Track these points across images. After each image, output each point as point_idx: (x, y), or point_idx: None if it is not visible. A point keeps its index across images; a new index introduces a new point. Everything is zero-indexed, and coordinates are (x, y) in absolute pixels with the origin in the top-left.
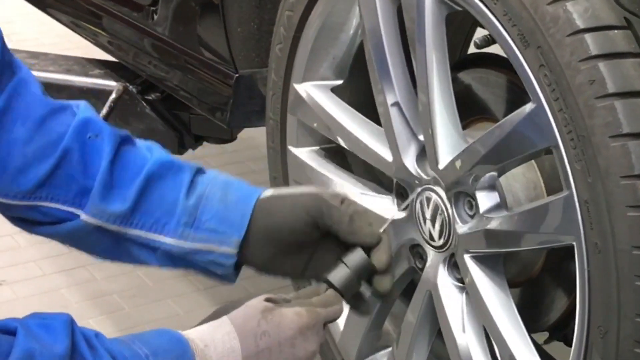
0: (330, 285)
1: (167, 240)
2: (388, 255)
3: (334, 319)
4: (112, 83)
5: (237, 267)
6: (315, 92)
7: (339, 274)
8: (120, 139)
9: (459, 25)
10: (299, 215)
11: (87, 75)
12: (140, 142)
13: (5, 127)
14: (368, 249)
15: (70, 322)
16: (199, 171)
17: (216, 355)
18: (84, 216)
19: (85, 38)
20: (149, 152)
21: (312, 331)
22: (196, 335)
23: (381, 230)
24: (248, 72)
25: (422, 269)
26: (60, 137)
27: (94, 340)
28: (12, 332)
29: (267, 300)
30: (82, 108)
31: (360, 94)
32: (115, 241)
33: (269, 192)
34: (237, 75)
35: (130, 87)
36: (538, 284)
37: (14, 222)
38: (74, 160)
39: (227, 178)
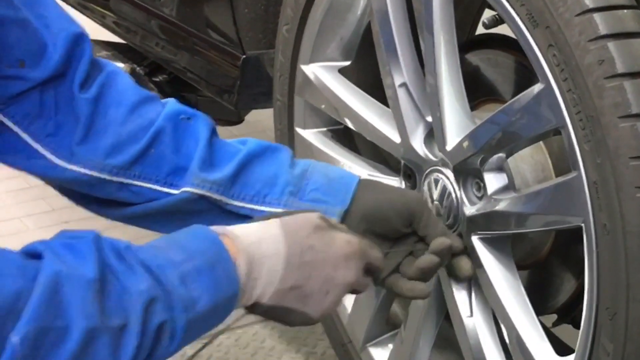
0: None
1: (269, 209)
2: (448, 241)
3: (375, 265)
4: (120, 64)
5: None
6: (323, 73)
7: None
8: (213, 125)
9: (467, 6)
10: (406, 205)
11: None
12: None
13: (100, 111)
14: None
15: (96, 240)
16: (293, 154)
17: (259, 254)
18: (186, 188)
19: (93, 19)
20: (242, 142)
21: (355, 262)
22: (242, 232)
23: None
24: (255, 54)
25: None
26: (152, 121)
27: (125, 252)
28: (37, 255)
29: (321, 218)
30: (172, 101)
31: (367, 75)
32: (216, 213)
33: (368, 178)
34: (244, 56)
35: (138, 68)
36: (546, 266)
37: (99, 209)
38: (166, 140)
39: (324, 163)
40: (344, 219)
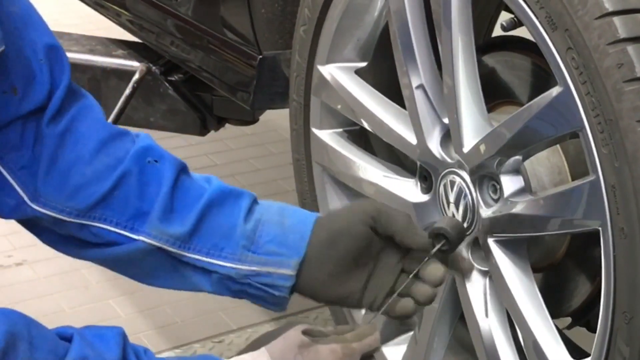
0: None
1: (224, 263)
2: (442, 272)
3: (372, 350)
4: (135, 63)
5: (291, 292)
6: (339, 74)
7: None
8: (180, 167)
9: (483, 8)
10: (359, 219)
11: (110, 55)
12: (197, 175)
13: (67, 146)
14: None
15: (123, 335)
16: (255, 200)
17: None
18: (142, 237)
19: (109, 18)
20: (207, 182)
21: None
22: None
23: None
24: (272, 54)
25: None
26: (119, 160)
27: (143, 355)
28: (68, 339)
29: (305, 332)
30: (142, 137)
31: (384, 76)
32: (172, 265)
33: (324, 214)
34: (260, 56)
35: (153, 67)
36: (561, 269)
37: (59, 247)
38: (131, 183)
39: (282, 204)
40: (301, 269)
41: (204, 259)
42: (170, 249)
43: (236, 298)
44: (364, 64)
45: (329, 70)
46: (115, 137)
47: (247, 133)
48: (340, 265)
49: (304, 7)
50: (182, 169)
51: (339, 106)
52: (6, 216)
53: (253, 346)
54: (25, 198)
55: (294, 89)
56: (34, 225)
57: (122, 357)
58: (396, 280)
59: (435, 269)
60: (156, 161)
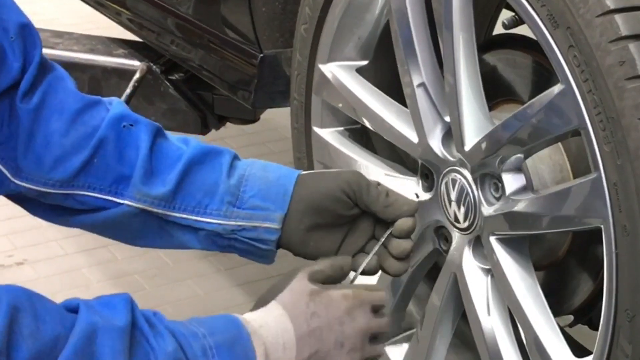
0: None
1: (210, 220)
2: (413, 222)
3: (380, 303)
4: (136, 63)
5: (277, 246)
6: (341, 72)
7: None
8: (155, 130)
9: (484, 6)
10: (340, 186)
11: (110, 54)
12: (173, 136)
13: (42, 120)
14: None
15: (130, 300)
16: (236, 156)
17: (270, 335)
18: (127, 201)
19: (109, 17)
20: (184, 143)
21: (359, 311)
22: (251, 317)
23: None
24: (272, 52)
25: (446, 251)
26: (95, 129)
27: (153, 318)
28: (74, 310)
29: (310, 279)
30: (115, 103)
31: (385, 74)
32: (159, 225)
33: (307, 172)
34: (261, 55)
35: (154, 66)
36: (563, 267)
37: (47, 217)
38: (109, 149)
39: (265, 162)
40: (285, 222)
41: (190, 217)
42: (155, 210)
43: (225, 252)
44: (365, 63)
45: (330, 69)
46: (89, 105)
47: (247, 132)
48: (317, 224)
49: (304, 5)
50: (158, 132)
51: (340, 105)
52: None
53: (261, 301)
54: (8, 174)
55: (295, 88)
56: (22, 199)
57: (132, 321)
58: (365, 244)
59: (402, 243)
60: (131, 125)
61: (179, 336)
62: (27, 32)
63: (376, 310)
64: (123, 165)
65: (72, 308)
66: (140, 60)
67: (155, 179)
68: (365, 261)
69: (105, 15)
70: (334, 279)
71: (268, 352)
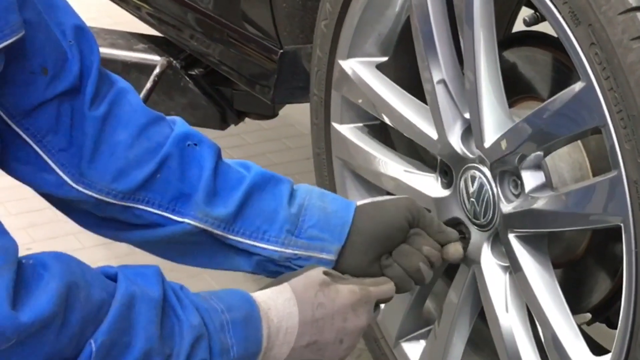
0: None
1: (267, 246)
2: (461, 253)
3: (386, 299)
4: (156, 57)
5: None
6: (361, 68)
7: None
8: (218, 151)
9: (504, 3)
10: (403, 214)
11: (131, 49)
12: (232, 160)
13: (108, 130)
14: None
15: (161, 273)
16: (293, 184)
17: (277, 318)
18: (187, 220)
19: (129, 11)
20: (244, 167)
21: (363, 308)
22: (261, 298)
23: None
24: (292, 48)
25: (465, 248)
26: (160, 145)
27: (180, 292)
28: (112, 277)
29: (326, 273)
30: (179, 122)
31: (405, 71)
32: (216, 246)
33: (363, 201)
34: (281, 51)
35: (174, 61)
36: (582, 264)
37: (96, 229)
38: (173, 166)
39: (321, 190)
40: (345, 252)
41: (248, 241)
42: (215, 231)
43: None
44: (385, 59)
45: (350, 65)
46: (154, 121)
47: (264, 127)
48: (372, 255)
49: (325, 1)
50: (220, 153)
51: (359, 101)
52: (48, 192)
53: (277, 281)
54: (68, 180)
55: (314, 84)
56: (71, 207)
57: (163, 293)
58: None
59: (455, 250)
60: (196, 145)
61: (202, 311)
62: (82, 35)
63: (380, 303)
64: (184, 183)
65: (110, 275)
66: (160, 55)
67: (218, 200)
68: None
69: (125, 9)
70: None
71: (270, 334)
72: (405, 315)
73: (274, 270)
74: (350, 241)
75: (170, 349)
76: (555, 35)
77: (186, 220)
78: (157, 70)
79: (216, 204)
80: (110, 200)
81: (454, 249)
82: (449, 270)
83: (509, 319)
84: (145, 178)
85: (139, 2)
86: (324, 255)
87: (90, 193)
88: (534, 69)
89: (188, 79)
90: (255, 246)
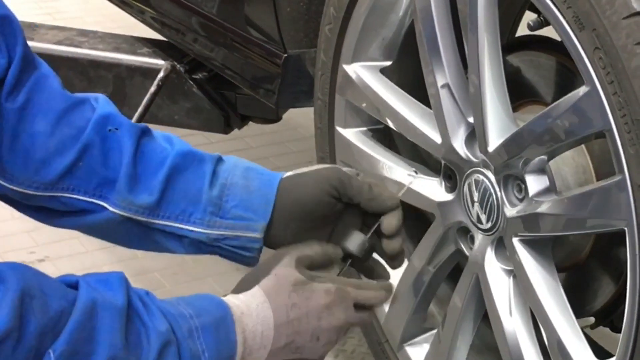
0: (346, 251)
1: (194, 228)
2: (398, 220)
3: (367, 303)
4: (160, 62)
5: (260, 252)
6: (364, 73)
7: (353, 241)
8: (139, 132)
9: (507, 8)
10: (321, 187)
11: (135, 53)
12: (158, 133)
13: (27, 120)
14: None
15: (125, 279)
16: (219, 160)
17: (251, 322)
18: (111, 208)
19: (133, 15)
20: (169, 143)
21: (339, 308)
22: (234, 303)
23: (399, 194)
24: (296, 52)
25: (469, 252)
26: (80, 130)
27: (146, 297)
28: (73, 285)
29: (300, 271)
30: (101, 102)
31: (408, 75)
32: (143, 231)
33: (288, 173)
34: (285, 55)
35: (178, 65)
36: (585, 268)
37: (34, 215)
38: (95, 153)
39: (247, 164)
40: (268, 229)
41: (174, 224)
42: (139, 218)
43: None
44: (388, 63)
45: (354, 69)
46: (74, 106)
47: (267, 131)
48: (303, 227)
49: (329, 6)
50: (143, 133)
51: (363, 105)
52: None
53: (245, 282)
54: None
55: (318, 88)
56: (8, 199)
57: (127, 300)
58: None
59: (392, 243)
60: (116, 129)
61: (170, 317)
62: (7, 25)
63: (359, 306)
64: (107, 169)
65: (71, 284)
66: (164, 59)
67: (140, 186)
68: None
69: (128, 13)
70: (321, 265)
71: (246, 339)
72: (408, 318)
73: (208, 250)
74: (275, 217)
75: (137, 356)
76: (558, 39)
77: (110, 209)
78: (161, 75)
79: (139, 190)
80: (33, 193)
81: (391, 223)
82: (453, 274)
83: (512, 322)
84: (68, 166)
85: (142, 6)
86: (251, 234)
87: (13, 187)
88: (537, 73)
89: (192, 83)
90: (182, 228)
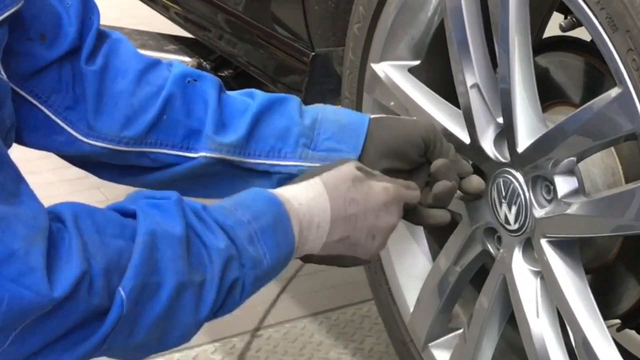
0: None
1: (286, 163)
2: (478, 180)
3: (413, 202)
4: (187, 59)
5: None
6: (393, 72)
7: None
8: (219, 83)
9: (535, 8)
10: (419, 133)
11: (161, 50)
12: (235, 92)
13: (108, 81)
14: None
15: (180, 201)
16: (302, 102)
17: (309, 213)
18: (202, 153)
19: (155, 10)
20: (249, 96)
21: (395, 206)
22: (291, 194)
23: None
24: (324, 51)
25: (496, 253)
26: (160, 87)
27: (203, 213)
28: (130, 214)
29: (358, 169)
30: (176, 64)
31: (437, 75)
32: (234, 172)
33: (377, 115)
34: (313, 53)
35: (204, 63)
36: (612, 270)
37: (116, 178)
38: (177, 105)
39: (334, 106)
40: (361, 162)
41: (265, 161)
42: (230, 157)
43: None
44: (417, 63)
45: (382, 68)
46: (151, 65)
47: None
48: (391, 167)
49: (358, 4)
50: (222, 86)
51: (391, 104)
52: (63, 152)
53: (306, 177)
54: (79, 136)
55: (346, 86)
56: (90, 163)
57: (185, 224)
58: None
59: (477, 181)
60: (195, 80)
61: (228, 229)
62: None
63: (406, 206)
64: (192, 119)
65: (128, 212)
66: (190, 57)
67: (227, 129)
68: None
69: (154, 9)
70: None
71: (302, 229)
72: (434, 319)
73: None
74: (365, 151)
75: (202, 276)
76: (587, 40)
77: (201, 154)
78: None
79: (226, 132)
80: (122, 149)
81: (477, 181)
82: (480, 275)
83: (539, 324)
84: (153, 121)
85: (168, 2)
86: None
87: (102, 144)
88: (566, 74)
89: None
90: (274, 165)
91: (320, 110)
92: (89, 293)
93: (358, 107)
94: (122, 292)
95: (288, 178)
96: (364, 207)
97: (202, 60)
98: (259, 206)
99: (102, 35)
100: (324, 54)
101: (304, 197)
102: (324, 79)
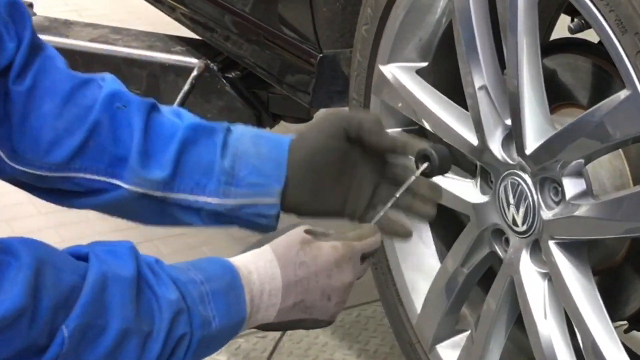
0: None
1: (210, 200)
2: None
3: (371, 252)
4: (194, 60)
5: (277, 218)
6: (400, 73)
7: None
8: (148, 107)
9: (542, 11)
10: (329, 133)
11: (169, 51)
12: (167, 108)
13: (35, 102)
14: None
15: (134, 249)
16: (229, 130)
17: (259, 281)
18: (125, 185)
19: (161, 10)
20: (178, 117)
21: (347, 263)
22: (241, 262)
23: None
24: (332, 52)
25: (503, 255)
26: (88, 110)
27: (156, 266)
28: (83, 257)
29: (307, 231)
30: (108, 81)
31: (444, 76)
32: (160, 207)
33: (298, 132)
34: (321, 55)
35: (211, 64)
36: (620, 272)
37: (49, 199)
38: (104, 131)
39: (256, 131)
40: (285, 193)
41: (189, 197)
42: (154, 193)
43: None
44: (424, 64)
45: (390, 70)
46: (81, 85)
47: (291, 130)
48: (319, 183)
49: (366, 6)
50: (152, 108)
51: (399, 105)
52: None
53: (256, 245)
54: (4, 156)
55: (354, 88)
56: (21, 183)
57: (137, 271)
58: (374, 190)
59: (432, 186)
60: (125, 106)
61: (180, 284)
62: (15, 10)
63: (366, 257)
64: (118, 147)
65: (80, 256)
66: (198, 58)
67: (152, 161)
68: (381, 213)
69: (158, 9)
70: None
71: (253, 297)
72: (441, 320)
73: (226, 221)
74: (289, 179)
75: (149, 326)
76: (595, 42)
77: (124, 186)
78: (194, 73)
79: (151, 166)
80: (45, 174)
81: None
82: (487, 277)
83: (547, 325)
84: (78, 147)
85: (174, 3)
86: (267, 200)
87: (25, 169)
88: (573, 75)
89: (225, 81)
90: (198, 201)
91: (239, 142)
92: (30, 327)
93: (366, 109)
94: (64, 330)
95: (215, 214)
96: (314, 268)
97: (209, 62)
98: (214, 270)
99: (36, 49)
100: (331, 56)
101: (253, 265)
102: (331, 80)
